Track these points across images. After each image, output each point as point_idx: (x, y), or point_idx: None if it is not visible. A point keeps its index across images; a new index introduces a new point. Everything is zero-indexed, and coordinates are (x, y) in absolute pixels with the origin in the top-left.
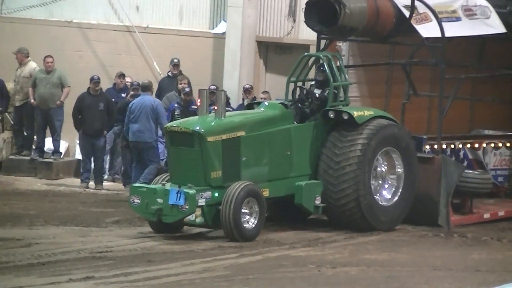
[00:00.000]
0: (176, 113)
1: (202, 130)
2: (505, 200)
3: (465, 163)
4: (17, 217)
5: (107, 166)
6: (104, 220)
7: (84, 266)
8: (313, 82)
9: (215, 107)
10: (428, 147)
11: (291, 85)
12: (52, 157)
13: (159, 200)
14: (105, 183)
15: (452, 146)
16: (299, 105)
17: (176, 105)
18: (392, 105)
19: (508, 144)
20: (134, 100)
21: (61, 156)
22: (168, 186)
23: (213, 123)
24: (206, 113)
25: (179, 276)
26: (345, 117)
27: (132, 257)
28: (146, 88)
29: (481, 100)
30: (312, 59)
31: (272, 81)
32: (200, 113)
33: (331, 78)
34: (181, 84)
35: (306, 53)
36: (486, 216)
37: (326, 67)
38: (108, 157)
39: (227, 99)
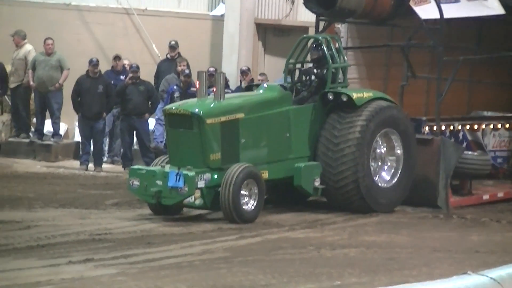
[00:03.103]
0: (175, 95)
1: (201, 112)
2: (504, 182)
3: (464, 145)
4: (16, 199)
5: (106, 148)
6: (103, 203)
7: (83, 248)
8: (311, 64)
9: (214, 89)
10: (427, 128)
11: (290, 67)
12: (52, 139)
13: (159, 182)
14: (104, 166)
15: (452, 127)
16: (298, 86)
17: (175, 87)
18: (391, 87)
19: (507, 126)
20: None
21: (61, 139)
22: (167, 168)
23: (212, 105)
24: (205, 95)
25: (179, 258)
26: (344, 99)
27: (131, 239)
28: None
29: (479, 82)
30: (311, 41)
31: (271, 64)
32: (199, 96)
33: (330, 60)
34: (180, 66)
35: (304, 35)
36: (485, 197)
37: (324, 49)
38: (107, 140)
39: (226, 81)
